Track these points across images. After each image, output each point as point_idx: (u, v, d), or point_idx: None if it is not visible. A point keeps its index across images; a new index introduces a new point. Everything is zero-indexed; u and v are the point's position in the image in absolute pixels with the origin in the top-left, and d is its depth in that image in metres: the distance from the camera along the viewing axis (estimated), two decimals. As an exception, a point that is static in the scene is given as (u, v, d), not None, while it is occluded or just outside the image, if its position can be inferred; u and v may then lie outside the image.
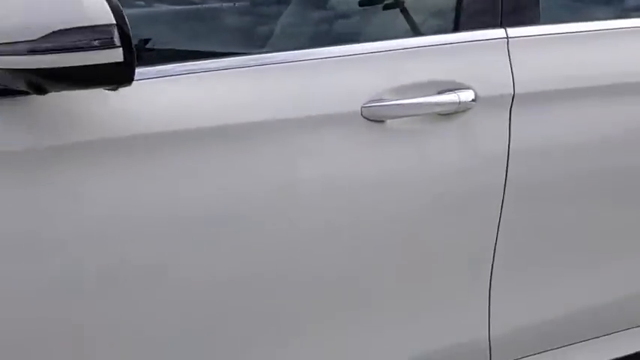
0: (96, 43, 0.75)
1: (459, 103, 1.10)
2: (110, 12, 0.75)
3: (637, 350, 1.49)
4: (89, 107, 0.88)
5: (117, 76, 0.78)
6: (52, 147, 0.88)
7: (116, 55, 0.76)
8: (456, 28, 1.18)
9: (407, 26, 1.20)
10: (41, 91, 0.82)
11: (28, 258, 0.88)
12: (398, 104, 1.07)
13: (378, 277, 1.12)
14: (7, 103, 0.88)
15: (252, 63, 1.00)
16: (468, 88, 1.12)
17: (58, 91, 0.83)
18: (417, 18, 1.19)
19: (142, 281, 0.94)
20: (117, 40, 0.75)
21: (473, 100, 1.12)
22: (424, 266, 1.17)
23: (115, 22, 0.75)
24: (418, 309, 1.20)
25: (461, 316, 1.24)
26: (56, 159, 0.89)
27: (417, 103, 1.08)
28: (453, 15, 1.19)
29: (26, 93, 0.87)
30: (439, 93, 1.11)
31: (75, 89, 0.81)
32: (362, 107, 1.05)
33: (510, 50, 1.18)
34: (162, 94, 0.93)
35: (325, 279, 1.08)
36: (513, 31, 1.19)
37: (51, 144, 0.88)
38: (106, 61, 0.76)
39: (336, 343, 1.12)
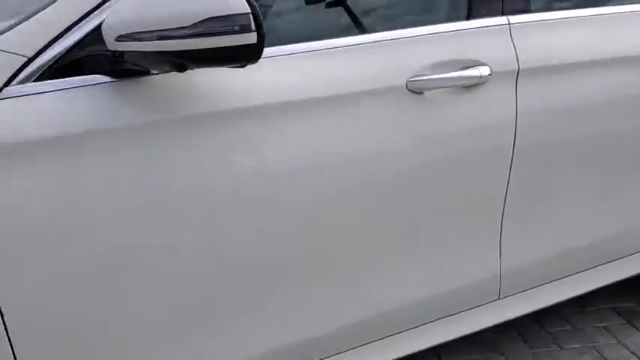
0: (236, 28, 0.95)
1: (480, 76, 1.36)
2: (246, 3, 0.95)
3: (621, 278, 1.82)
4: (218, 81, 1.08)
5: (248, 55, 0.98)
6: (184, 117, 1.08)
7: (251, 37, 0.96)
8: (469, 17, 1.44)
9: (436, 15, 1.45)
10: (182, 69, 1.01)
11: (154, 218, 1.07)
12: (435, 78, 1.32)
13: (412, 218, 1.37)
14: (131, 82, 1.07)
15: (331, 46, 1.22)
16: (484, 64, 1.38)
17: (195, 69, 1.02)
18: (440, 9, 1.45)
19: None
20: (253, 26, 0.95)
21: (489, 75, 1.38)
22: (451, 210, 1.43)
23: (250, 10, 0.95)
24: (446, 246, 1.46)
25: (478, 253, 1.51)
26: (183, 128, 1.08)
27: (450, 77, 1.33)
28: (466, 6, 1.45)
29: (144, 74, 1.06)
30: (462, 69, 1.36)
31: (212, 67, 1.01)
32: (407, 81, 1.29)
33: (512, 34, 1.46)
34: (277, 70, 1.14)
35: (374, 215, 1.31)
36: (513, 19, 1.47)
37: (183, 115, 1.08)
38: (242, 43, 0.96)
39: (375, 275, 1.37)
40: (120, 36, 0.97)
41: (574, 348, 1.92)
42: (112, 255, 1.06)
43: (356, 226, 1.29)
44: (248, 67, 1.02)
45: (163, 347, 1.14)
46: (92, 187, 1.03)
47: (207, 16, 0.94)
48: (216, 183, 1.12)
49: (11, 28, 1.04)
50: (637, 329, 2.01)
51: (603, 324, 2.04)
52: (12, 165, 0.97)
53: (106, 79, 1.06)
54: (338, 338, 1.36)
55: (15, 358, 1.01)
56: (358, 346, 1.42)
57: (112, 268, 1.06)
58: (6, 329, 1.00)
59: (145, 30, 0.95)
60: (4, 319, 0.99)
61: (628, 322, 2.05)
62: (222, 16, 0.94)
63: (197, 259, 1.13)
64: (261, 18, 0.96)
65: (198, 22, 0.94)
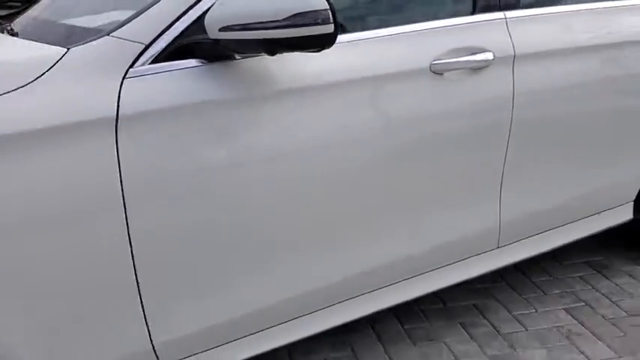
0: (318, 21, 1.23)
1: (486, 60, 1.68)
2: (325, 1, 1.23)
3: (595, 231, 2.19)
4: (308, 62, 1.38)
5: (325, 42, 1.26)
6: (266, 91, 1.36)
7: (329, 28, 1.24)
8: (473, 12, 1.76)
9: (448, 10, 1.76)
10: (272, 53, 1.29)
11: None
12: (452, 62, 1.63)
13: (434, 175, 1.68)
14: (221, 65, 1.34)
15: (373, 35, 1.52)
16: (489, 51, 1.70)
17: (282, 53, 1.30)
18: (454, 5, 1.76)
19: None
20: (331, 19, 1.24)
21: (492, 59, 1.70)
22: (463, 170, 1.74)
23: (328, 7, 1.23)
24: (459, 201, 1.77)
25: (482, 206, 1.84)
26: (266, 103, 1.36)
27: (463, 61, 1.64)
28: (470, 3, 1.76)
29: (231, 58, 1.33)
30: (472, 54, 1.68)
31: (296, 51, 1.29)
32: (431, 64, 1.60)
33: (508, 26, 1.78)
34: (338, 55, 1.43)
35: (397, 176, 1.62)
36: (509, 14, 1.79)
37: (264, 89, 1.36)
38: (322, 32, 1.24)
39: (398, 227, 1.68)
40: (223, 27, 1.24)
41: (556, 293, 2.27)
42: (210, 199, 1.33)
43: (390, 180, 1.59)
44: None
45: (239, 272, 1.44)
46: (200, 145, 1.30)
47: (296, 12, 1.22)
48: (291, 143, 1.40)
49: (132, 19, 1.30)
50: (607, 278, 2.38)
51: (579, 274, 2.40)
52: (145, 128, 1.24)
53: (202, 62, 1.33)
54: (359, 284, 1.67)
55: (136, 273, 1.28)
56: (383, 287, 1.72)
57: (213, 208, 1.34)
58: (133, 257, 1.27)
59: (245, 22, 1.22)
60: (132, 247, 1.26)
61: (599, 272, 2.42)
62: (307, 12, 1.22)
63: (268, 208, 1.42)
64: (335, 11, 1.25)
65: (289, 16, 1.22)
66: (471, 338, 1.99)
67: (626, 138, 2.12)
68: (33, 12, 1.86)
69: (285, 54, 1.34)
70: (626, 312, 2.14)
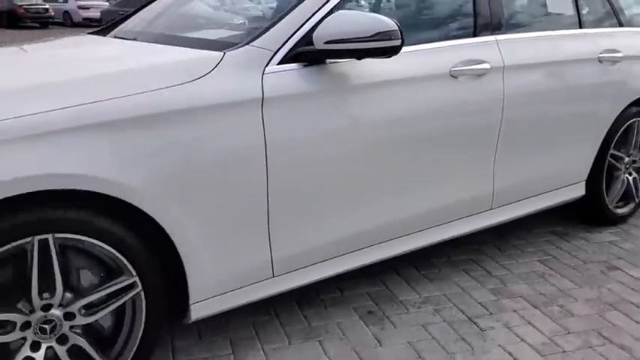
0: (392, 37, 1.89)
1: (485, 69, 2.38)
2: (395, 24, 1.90)
3: (561, 200, 2.91)
4: (372, 66, 2.03)
5: (394, 52, 1.92)
6: (352, 86, 2.01)
7: (398, 42, 1.90)
8: (475, 35, 2.46)
9: (459, 33, 2.46)
10: (359, 58, 1.95)
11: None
12: (464, 69, 2.32)
13: (448, 152, 2.35)
14: (320, 67, 1.98)
15: (413, 49, 2.20)
16: (487, 62, 2.40)
17: (366, 59, 1.96)
18: (463, 30, 2.47)
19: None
20: (399, 35, 1.90)
21: (489, 68, 2.40)
22: (466, 148, 2.42)
23: (397, 27, 1.90)
24: (463, 173, 2.45)
25: (479, 179, 2.52)
26: (350, 91, 2.02)
27: (471, 69, 2.34)
28: (472, 28, 2.47)
29: (322, 62, 1.98)
30: (476, 64, 2.37)
31: (375, 57, 1.94)
32: (450, 70, 2.28)
33: (499, 45, 2.49)
34: (392, 61, 2.09)
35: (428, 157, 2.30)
36: (498, 37, 2.51)
37: (349, 83, 2.01)
38: (393, 45, 1.90)
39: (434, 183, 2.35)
40: (327, 41, 1.89)
41: (530, 251, 2.96)
42: (331, 160, 1.98)
43: (418, 154, 2.26)
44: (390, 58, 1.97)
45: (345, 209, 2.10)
46: (309, 119, 1.94)
47: (377, 31, 1.88)
48: (366, 118, 2.06)
49: (261, 35, 1.93)
50: (567, 241, 3.10)
51: (546, 239, 3.11)
52: (277, 106, 1.86)
53: (306, 65, 1.96)
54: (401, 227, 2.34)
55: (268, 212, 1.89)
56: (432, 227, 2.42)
57: (322, 159, 1.98)
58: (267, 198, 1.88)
59: (344, 38, 1.87)
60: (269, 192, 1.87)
61: (561, 237, 3.14)
62: (385, 31, 1.88)
63: (358, 160, 2.07)
64: (402, 29, 1.91)
65: (373, 34, 1.88)
66: (472, 278, 2.66)
67: (577, 133, 2.87)
68: (137, 26, 2.51)
69: (364, 60, 1.99)
70: (582, 261, 2.86)
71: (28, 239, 1.51)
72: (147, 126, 1.65)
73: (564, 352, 2.12)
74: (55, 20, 23.56)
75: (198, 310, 1.85)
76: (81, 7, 24.01)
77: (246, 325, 2.25)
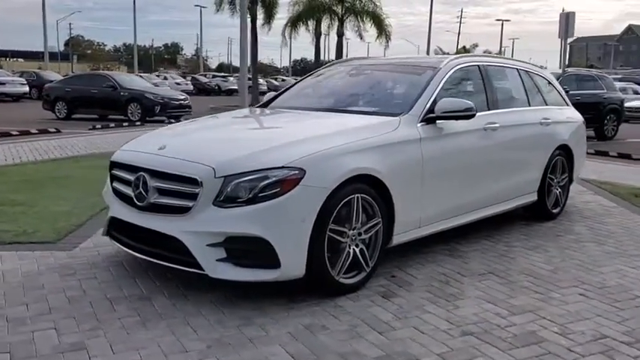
0: (472, 110, 4.09)
1: (495, 127, 4.66)
2: (472, 104, 4.10)
3: (523, 203, 5.21)
4: (455, 124, 4.22)
5: (472, 116, 4.11)
6: (446, 134, 4.19)
7: (474, 111, 4.11)
8: (489, 109, 4.74)
9: (483, 108, 4.75)
10: (457, 119, 4.13)
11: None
12: (489, 126, 4.57)
13: (492, 169, 4.58)
14: (432, 124, 4.14)
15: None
16: (497, 123, 4.67)
17: (459, 120, 4.14)
18: (484, 105, 4.76)
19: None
20: (474, 109, 4.10)
21: (498, 126, 4.68)
22: (494, 169, 4.67)
23: (473, 106, 4.10)
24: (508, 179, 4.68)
25: (502, 182, 4.76)
26: (448, 135, 4.18)
27: (492, 126, 4.60)
28: (487, 106, 4.74)
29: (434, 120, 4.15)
30: (491, 124, 4.63)
31: (463, 120, 4.12)
32: (484, 127, 4.52)
33: (498, 115, 4.78)
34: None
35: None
36: (495, 111, 4.81)
37: (453, 130, 4.19)
38: (473, 114, 4.10)
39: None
40: (443, 111, 4.04)
41: (506, 234, 5.18)
42: (444, 167, 4.09)
43: (475, 167, 4.45)
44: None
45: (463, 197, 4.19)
46: (444, 148, 4.07)
47: (466, 107, 4.07)
48: (459, 149, 4.22)
49: (412, 107, 4.05)
50: (529, 226, 5.36)
51: (519, 226, 5.36)
52: (426, 141, 3.98)
53: (428, 123, 4.09)
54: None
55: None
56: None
57: (450, 166, 4.09)
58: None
59: (451, 110, 4.04)
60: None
61: (525, 226, 5.40)
62: (468, 108, 4.08)
63: (474, 177, 4.20)
64: (475, 107, 4.12)
65: (464, 108, 4.08)
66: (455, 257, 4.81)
67: (534, 162, 5.22)
68: (290, 101, 4.60)
69: (454, 120, 4.16)
70: (525, 236, 5.11)
71: (353, 196, 3.44)
72: (384, 149, 3.68)
73: (552, 263, 4.32)
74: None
75: (397, 239, 3.82)
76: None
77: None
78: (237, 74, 53.39)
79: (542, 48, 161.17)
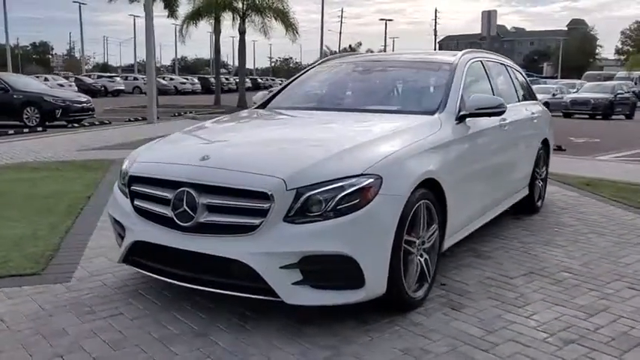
0: (502, 106, 3.96)
1: (506, 123, 4.60)
2: (502, 100, 3.99)
3: (519, 198, 5.22)
4: (481, 122, 4.09)
5: (503, 112, 4.01)
6: (471, 134, 4.05)
7: (504, 108, 3.99)
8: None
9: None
10: (489, 117, 3.99)
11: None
12: (503, 123, 4.50)
13: (504, 163, 4.51)
14: (461, 122, 3.99)
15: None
16: (507, 119, 4.61)
17: (490, 117, 4.01)
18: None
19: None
20: (505, 105, 3.99)
21: (508, 122, 4.62)
22: (509, 162, 4.61)
23: (504, 102, 3.99)
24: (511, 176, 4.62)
25: (517, 175, 4.71)
26: (475, 134, 4.04)
27: (507, 122, 4.53)
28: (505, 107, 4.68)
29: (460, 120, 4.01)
30: (504, 120, 4.57)
31: (495, 116, 4.00)
32: (499, 124, 4.43)
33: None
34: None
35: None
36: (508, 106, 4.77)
37: (479, 128, 4.05)
38: (503, 110, 3.99)
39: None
40: (476, 108, 3.88)
41: (506, 228, 5.18)
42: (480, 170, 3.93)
43: (496, 159, 4.36)
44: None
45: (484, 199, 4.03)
46: (467, 150, 3.89)
47: (497, 104, 3.94)
48: (485, 146, 4.09)
49: (445, 105, 3.85)
50: (522, 220, 5.39)
51: (511, 220, 5.37)
52: (458, 139, 3.80)
53: (459, 121, 3.92)
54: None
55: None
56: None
57: (475, 165, 3.93)
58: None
59: (483, 107, 3.89)
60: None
61: (516, 219, 5.43)
62: (500, 104, 3.95)
63: (488, 167, 4.05)
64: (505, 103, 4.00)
65: (495, 105, 3.94)
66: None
67: (526, 157, 5.24)
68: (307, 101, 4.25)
69: (475, 118, 4.01)
70: (528, 231, 5.15)
71: (420, 203, 3.17)
72: (437, 150, 3.45)
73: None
74: None
75: (446, 244, 3.61)
76: None
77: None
78: (124, 74, 51.40)
79: (413, 46, 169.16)
